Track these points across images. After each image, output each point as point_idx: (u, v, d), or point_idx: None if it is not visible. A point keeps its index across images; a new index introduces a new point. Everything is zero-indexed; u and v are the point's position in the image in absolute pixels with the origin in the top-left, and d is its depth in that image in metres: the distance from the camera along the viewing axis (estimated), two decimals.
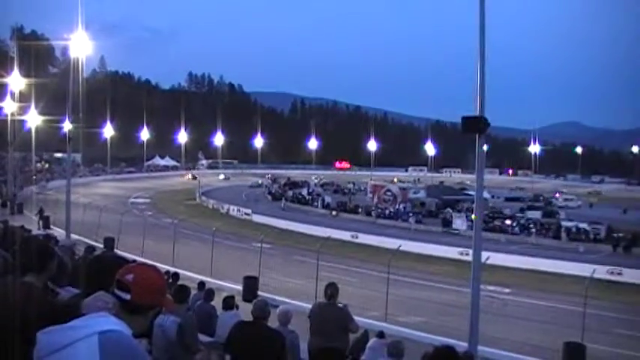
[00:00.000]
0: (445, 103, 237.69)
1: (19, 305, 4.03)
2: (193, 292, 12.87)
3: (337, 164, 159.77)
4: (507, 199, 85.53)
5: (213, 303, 13.59)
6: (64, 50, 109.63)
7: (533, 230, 55.04)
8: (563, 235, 52.80)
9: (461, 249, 37.59)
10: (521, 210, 68.86)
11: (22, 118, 65.79)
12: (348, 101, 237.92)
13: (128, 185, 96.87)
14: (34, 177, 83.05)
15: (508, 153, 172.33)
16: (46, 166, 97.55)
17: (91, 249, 15.80)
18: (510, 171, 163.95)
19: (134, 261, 3.39)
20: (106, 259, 3.81)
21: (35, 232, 22.45)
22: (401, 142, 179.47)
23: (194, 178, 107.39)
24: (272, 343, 7.40)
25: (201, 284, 16.76)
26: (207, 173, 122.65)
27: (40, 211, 44.89)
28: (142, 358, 2.78)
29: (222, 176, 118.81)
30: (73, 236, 31.49)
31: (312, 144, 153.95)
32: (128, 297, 2.87)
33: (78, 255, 11.21)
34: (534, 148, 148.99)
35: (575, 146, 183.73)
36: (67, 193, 33.18)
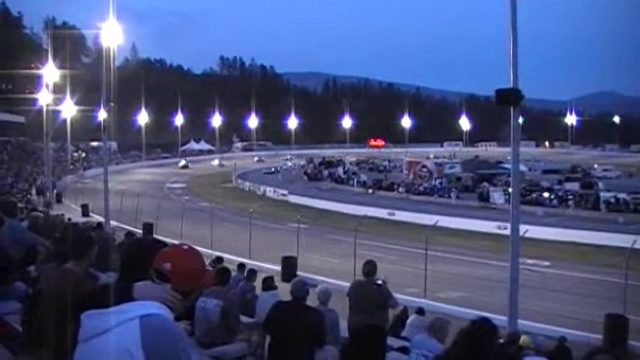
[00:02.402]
0: (479, 77, 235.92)
1: (64, 291, 4.11)
2: (233, 273, 12.97)
3: (372, 142, 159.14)
4: (544, 172, 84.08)
5: (254, 284, 13.72)
6: (96, 40, 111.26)
7: (572, 202, 54.32)
8: (602, 206, 51.93)
9: (498, 223, 37.21)
10: (559, 182, 68.00)
11: (57, 108, 66.49)
12: (380, 78, 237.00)
13: (164, 171, 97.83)
14: (72, 166, 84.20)
15: (544, 125, 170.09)
16: (83, 155, 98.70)
17: (130, 235, 15.99)
18: (547, 143, 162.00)
19: (165, 244, 3.37)
20: (142, 244, 3.83)
21: (75, 220, 22.71)
22: (435, 118, 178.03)
23: (221, 165, 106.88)
24: (311, 321, 7.45)
25: (241, 265, 16.89)
26: (242, 156, 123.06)
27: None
28: (183, 341, 2.81)
29: (255, 158, 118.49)
30: (113, 223, 31.89)
31: (346, 122, 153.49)
32: (169, 286, 2.90)
33: (118, 241, 11.35)
34: (570, 119, 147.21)
35: (613, 116, 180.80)
36: (104, 181, 33.59)
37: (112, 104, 34.55)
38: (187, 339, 2.85)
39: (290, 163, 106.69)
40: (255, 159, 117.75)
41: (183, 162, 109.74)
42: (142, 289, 2.92)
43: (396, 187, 68.96)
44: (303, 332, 7.26)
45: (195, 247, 3.09)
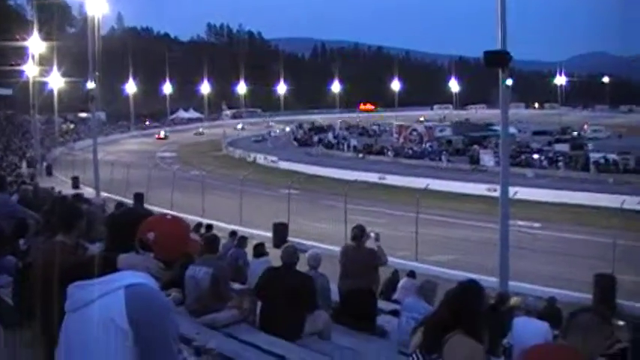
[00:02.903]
0: (468, 39, 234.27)
1: (52, 263, 4.14)
2: (224, 241, 13.02)
3: (362, 106, 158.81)
4: (534, 133, 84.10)
5: (245, 250, 13.79)
6: (81, 9, 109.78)
7: (562, 163, 54.46)
8: (592, 166, 52.12)
9: (489, 185, 37.17)
10: (549, 143, 68.12)
11: (44, 79, 65.97)
12: (369, 42, 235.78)
13: (154, 140, 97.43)
14: (61, 138, 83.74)
15: (533, 86, 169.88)
16: (72, 126, 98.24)
17: (120, 205, 15.97)
18: (537, 104, 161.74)
19: (150, 214, 3.39)
20: (126, 215, 3.85)
21: (65, 192, 22.64)
22: (425, 81, 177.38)
23: (200, 133, 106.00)
24: (301, 286, 7.52)
25: (233, 233, 16.95)
26: (232, 123, 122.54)
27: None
28: (169, 310, 2.85)
29: (239, 126, 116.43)
30: (103, 194, 31.83)
31: (335, 87, 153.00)
32: (152, 255, 2.93)
33: (108, 212, 11.35)
34: (560, 80, 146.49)
35: (602, 76, 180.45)
36: (94, 153, 33.50)
37: (97, 74, 34.20)
38: (172, 307, 2.88)
39: (277, 131, 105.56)
40: (240, 126, 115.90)
41: (162, 132, 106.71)
42: (126, 260, 2.94)
43: (386, 151, 69.00)
44: (293, 297, 7.33)
45: (182, 215, 3.12)
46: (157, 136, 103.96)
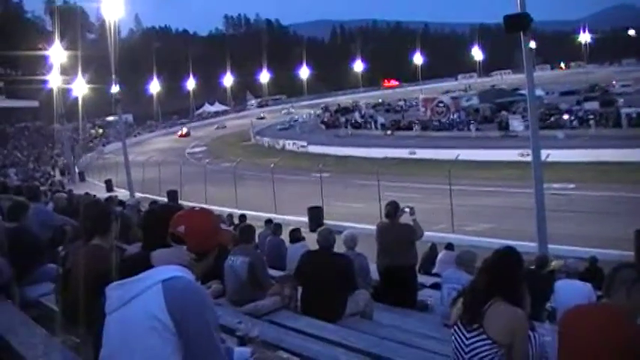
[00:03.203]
0: (487, 5, 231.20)
1: (90, 267, 4.20)
2: (259, 230, 13.07)
3: (386, 83, 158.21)
4: (562, 94, 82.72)
5: (281, 237, 13.82)
6: (98, 15, 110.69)
7: (592, 122, 53.54)
8: (624, 122, 51.26)
9: (520, 150, 36.90)
10: (578, 103, 67.02)
11: (68, 86, 66.52)
12: (387, 18, 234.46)
13: (179, 138, 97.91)
14: (90, 143, 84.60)
15: (558, 47, 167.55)
16: (100, 131, 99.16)
17: (154, 204, 16.11)
18: (562, 65, 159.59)
19: (181, 208, 3.46)
20: (157, 211, 3.90)
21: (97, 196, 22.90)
22: (447, 52, 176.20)
23: (187, 134, 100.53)
24: (340, 268, 7.54)
25: (269, 221, 17.00)
26: (258, 112, 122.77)
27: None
28: (205, 299, 2.88)
29: (262, 114, 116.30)
30: (137, 194, 32.15)
31: (358, 67, 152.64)
32: (185, 248, 2.97)
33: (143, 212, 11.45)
34: (584, 38, 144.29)
35: (627, 30, 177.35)
36: (124, 154, 33.85)
37: (114, 77, 34.50)
38: (209, 298, 2.92)
39: (304, 116, 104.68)
40: (262, 114, 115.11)
41: (184, 129, 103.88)
42: (159, 255, 2.99)
43: (413, 125, 68.60)
44: (333, 279, 7.36)
45: (216, 208, 3.17)
46: (178, 134, 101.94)
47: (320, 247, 7.94)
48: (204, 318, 2.80)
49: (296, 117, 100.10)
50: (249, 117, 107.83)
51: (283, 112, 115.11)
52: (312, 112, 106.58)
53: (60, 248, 6.04)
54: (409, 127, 68.71)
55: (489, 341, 3.95)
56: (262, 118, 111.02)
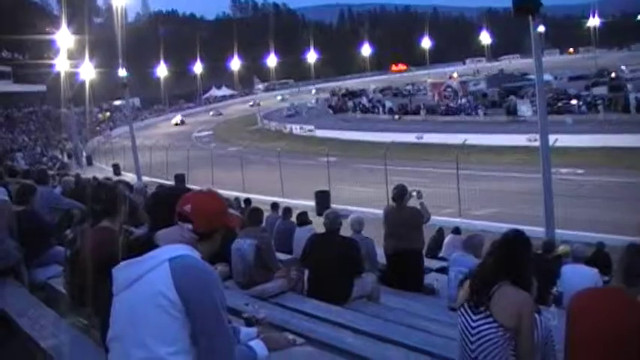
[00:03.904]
0: None
1: (98, 249, 4.22)
2: (266, 213, 13.09)
3: (393, 67, 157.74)
4: (571, 79, 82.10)
5: (292, 220, 13.83)
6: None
7: (601, 107, 53.16)
8: (633, 107, 50.80)
9: (528, 135, 36.74)
10: (586, 87, 66.48)
11: (76, 70, 66.56)
12: (395, 2, 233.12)
13: (189, 121, 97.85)
14: (98, 128, 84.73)
15: (567, 31, 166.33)
16: (107, 114, 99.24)
17: (161, 187, 16.12)
18: (571, 49, 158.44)
19: (188, 189, 3.49)
20: (163, 193, 3.92)
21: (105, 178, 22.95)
22: (455, 36, 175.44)
23: (180, 123, 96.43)
24: (347, 251, 7.56)
25: (274, 205, 17.01)
26: (265, 96, 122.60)
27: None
28: (212, 277, 2.92)
29: (250, 103, 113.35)
30: (145, 178, 32.20)
31: (366, 51, 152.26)
32: (190, 227, 2.99)
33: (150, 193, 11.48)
34: (593, 22, 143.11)
35: (637, 14, 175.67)
36: (131, 139, 33.90)
37: (120, 61, 34.55)
38: (216, 276, 2.94)
39: (313, 101, 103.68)
40: (250, 104, 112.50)
41: (177, 118, 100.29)
42: (163, 235, 3.01)
43: (423, 110, 68.35)
44: (339, 262, 7.37)
45: (224, 192, 3.19)
46: (173, 122, 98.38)
47: (326, 230, 7.97)
48: (212, 295, 2.83)
49: (295, 103, 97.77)
50: (265, 100, 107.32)
51: (278, 98, 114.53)
52: (313, 99, 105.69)
53: (68, 231, 6.07)
54: (417, 112, 68.50)
55: (495, 324, 3.95)
56: (257, 105, 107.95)
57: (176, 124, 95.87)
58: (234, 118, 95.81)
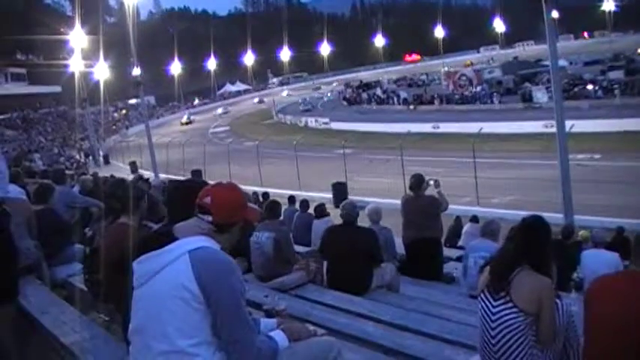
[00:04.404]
0: None
1: (116, 245, 4.24)
2: (284, 207, 13.10)
3: (407, 57, 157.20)
4: (586, 64, 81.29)
5: (310, 212, 13.84)
6: None
7: (617, 91, 52.73)
8: None
9: (545, 122, 36.42)
10: (602, 72, 65.92)
11: (90, 70, 66.88)
12: None
13: (205, 117, 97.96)
14: (114, 126, 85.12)
15: (581, 16, 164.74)
16: (123, 112, 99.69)
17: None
18: (586, 34, 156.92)
19: (206, 183, 3.51)
20: (180, 186, 3.94)
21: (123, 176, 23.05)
22: (468, 24, 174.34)
23: (188, 122, 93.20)
24: (364, 241, 7.54)
25: (291, 198, 17.04)
26: (279, 90, 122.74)
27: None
28: (232, 267, 2.93)
29: (256, 100, 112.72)
30: (162, 175, 32.33)
31: (379, 42, 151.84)
32: (210, 218, 3.01)
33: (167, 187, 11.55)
34: (608, 6, 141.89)
35: None
36: (147, 136, 34.01)
37: (134, 60, 34.68)
38: (235, 266, 2.95)
39: (329, 94, 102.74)
40: (256, 100, 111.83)
41: (185, 117, 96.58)
42: (181, 228, 3.04)
43: (437, 99, 68.10)
44: (358, 253, 7.36)
45: (244, 186, 3.20)
46: (182, 121, 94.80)
47: (343, 222, 7.95)
48: (232, 286, 2.85)
49: (307, 98, 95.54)
50: (270, 96, 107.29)
51: (284, 94, 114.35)
52: (329, 88, 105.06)
53: (87, 229, 6.11)
54: (432, 102, 68.25)
55: (516, 309, 3.94)
56: (262, 102, 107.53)
57: (186, 123, 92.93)
58: (249, 112, 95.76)
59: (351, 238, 7.53)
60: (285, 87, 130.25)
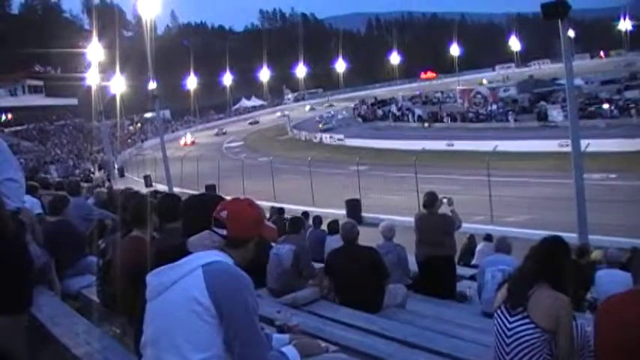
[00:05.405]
0: None
1: (129, 258, 4.25)
2: None
3: (422, 75, 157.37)
4: (602, 83, 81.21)
5: (323, 228, 13.84)
6: (135, 12, 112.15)
7: (634, 110, 52.56)
8: None
9: (560, 141, 36.26)
10: (618, 91, 65.74)
11: (107, 84, 67.28)
12: (422, 10, 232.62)
13: (234, 129, 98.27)
14: (129, 140, 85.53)
15: (597, 35, 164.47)
16: (139, 126, 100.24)
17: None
18: (602, 53, 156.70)
19: (222, 198, 3.52)
20: (195, 200, 3.95)
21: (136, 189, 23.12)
22: (484, 42, 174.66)
23: (191, 143, 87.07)
24: (367, 260, 7.48)
25: (305, 214, 17.04)
26: (295, 106, 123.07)
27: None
28: (245, 282, 2.92)
29: (278, 114, 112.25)
30: (176, 189, 32.37)
31: (394, 59, 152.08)
32: (225, 232, 3.01)
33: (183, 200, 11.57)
34: (625, 25, 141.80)
35: None
36: (162, 150, 34.03)
37: (150, 74, 34.85)
38: (249, 282, 2.95)
39: (344, 112, 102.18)
40: (278, 114, 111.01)
41: (188, 137, 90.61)
42: (194, 241, 3.05)
43: (446, 117, 68.15)
44: (362, 272, 7.31)
45: (259, 201, 3.21)
46: (181, 142, 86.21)
47: (344, 242, 7.90)
48: (245, 300, 2.85)
49: (324, 115, 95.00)
50: (288, 110, 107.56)
51: (307, 108, 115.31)
52: (344, 105, 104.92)
53: (100, 241, 6.13)
54: (444, 120, 68.33)
55: (532, 325, 3.93)
56: (256, 123, 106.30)
57: (191, 143, 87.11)
58: (264, 128, 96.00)
59: (352, 258, 7.47)
60: (305, 102, 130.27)
